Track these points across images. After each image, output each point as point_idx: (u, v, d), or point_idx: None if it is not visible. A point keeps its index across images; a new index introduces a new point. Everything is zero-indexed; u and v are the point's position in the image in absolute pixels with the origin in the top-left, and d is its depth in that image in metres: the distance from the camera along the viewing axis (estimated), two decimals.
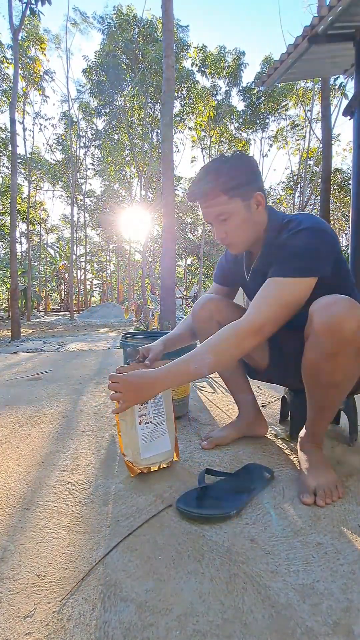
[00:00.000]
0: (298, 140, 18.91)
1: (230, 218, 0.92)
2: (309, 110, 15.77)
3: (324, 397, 0.89)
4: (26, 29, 12.21)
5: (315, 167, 17.26)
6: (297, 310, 0.87)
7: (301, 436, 1.00)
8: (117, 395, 0.87)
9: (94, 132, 16.74)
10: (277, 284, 0.87)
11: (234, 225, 0.93)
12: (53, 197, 23.67)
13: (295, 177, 19.75)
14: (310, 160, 17.70)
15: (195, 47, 14.76)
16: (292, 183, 20.30)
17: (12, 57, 8.17)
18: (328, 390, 0.87)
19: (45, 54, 13.46)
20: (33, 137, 18.50)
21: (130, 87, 13.38)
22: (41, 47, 12.94)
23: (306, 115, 16.27)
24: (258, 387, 1.97)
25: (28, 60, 13.04)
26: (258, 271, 1.02)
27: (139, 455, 0.95)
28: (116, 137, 15.95)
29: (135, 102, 13.88)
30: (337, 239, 0.89)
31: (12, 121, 6.85)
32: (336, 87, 8.25)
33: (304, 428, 1.00)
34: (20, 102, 13.83)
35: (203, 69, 15.05)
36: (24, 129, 15.29)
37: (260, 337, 0.86)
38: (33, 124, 17.16)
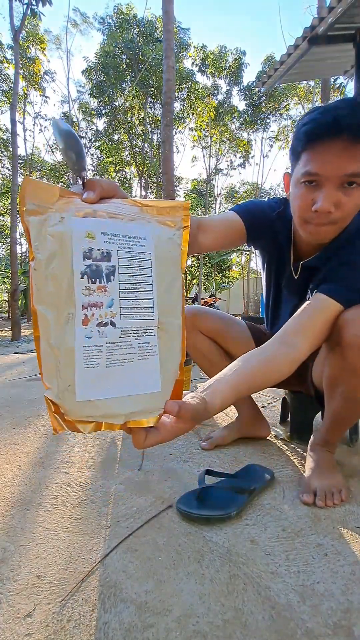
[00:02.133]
0: None
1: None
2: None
3: (342, 408, 0.85)
4: (26, 29, 12.23)
5: None
6: None
7: (313, 439, 0.99)
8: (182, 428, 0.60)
9: (94, 132, 16.76)
10: (335, 312, 0.74)
11: (359, 199, 0.68)
12: None
13: None
14: None
15: (195, 47, 14.77)
16: None
17: (12, 58, 8.18)
18: (347, 404, 0.83)
19: (45, 54, 13.48)
20: (33, 138, 18.55)
21: (130, 87, 13.40)
22: (41, 47, 12.96)
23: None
24: None
25: (28, 60, 13.06)
26: (308, 267, 0.87)
27: (73, 394, 0.45)
28: (116, 137, 15.97)
29: (135, 102, 13.90)
30: None
31: (13, 122, 6.86)
32: (336, 87, 8.26)
33: (316, 431, 0.99)
34: (20, 101, 13.85)
35: (203, 68, 15.05)
36: (25, 130, 15.33)
37: (308, 354, 0.75)
38: (33, 124, 17.21)
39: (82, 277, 0.45)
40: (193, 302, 11.48)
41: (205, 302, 10.76)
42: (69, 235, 0.44)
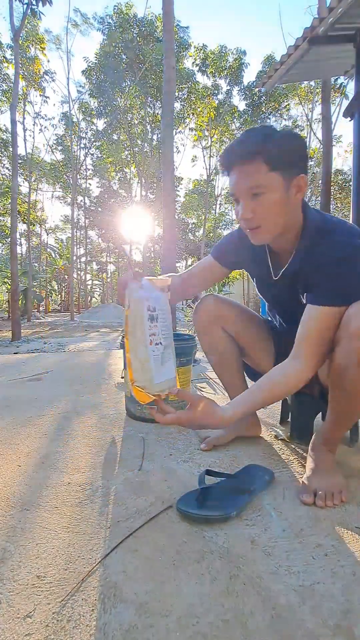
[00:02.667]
0: None
1: (265, 194, 0.79)
2: (310, 110, 15.79)
3: (347, 405, 0.85)
4: (26, 29, 12.23)
5: (316, 168, 17.28)
6: None
7: (313, 438, 0.99)
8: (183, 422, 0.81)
9: (94, 132, 16.76)
10: (332, 314, 0.81)
11: (267, 204, 0.79)
12: (52, 197, 23.69)
13: None
14: (310, 161, 17.72)
15: (195, 47, 14.76)
16: None
17: (12, 58, 8.18)
18: (352, 399, 0.83)
19: (45, 54, 13.48)
20: (33, 138, 18.56)
21: (130, 87, 13.39)
22: (41, 47, 12.95)
23: (307, 117, 16.29)
24: None
25: (27, 60, 13.05)
26: (287, 276, 0.93)
27: (152, 380, 0.80)
28: (115, 137, 15.97)
29: (136, 102, 13.89)
30: None
31: (13, 122, 6.86)
32: (337, 87, 8.27)
33: (317, 431, 0.99)
34: (20, 100, 13.84)
35: (204, 68, 15.05)
36: (25, 129, 15.32)
37: (315, 371, 0.86)
38: (33, 124, 17.20)
39: (147, 320, 0.81)
40: (193, 301, 11.48)
41: None
42: (141, 299, 0.80)
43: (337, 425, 0.91)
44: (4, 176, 16.68)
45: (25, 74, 13.27)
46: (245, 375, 1.24)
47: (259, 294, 1.13)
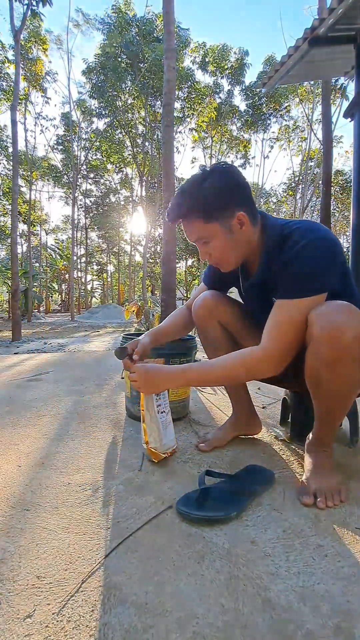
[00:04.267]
0: (300, 142, 18.96)
1: (210, 241, 0.90)
2: (311, 110, 15.80)
3: (327, 404, 0.87)
4: (28, 29, 12.22)
5: (316, 169, 17.29)
6: None
7: (308, 439, 0.99)
8: (134, 383, 0.97)
9: (94, 131, 16.75)
10: (288, 307, 0.84)
11: (215, 247, 0.90)
12: (52, 197, 23.69)
13: (296, 179, 19.79)
14: (311, 161, 17.74)
15: (195, 44, 14.72)
16: (293, 184, 20.33)
17: (14, 58, 8.18)
18: (331, 398, 0.85)
19: (47, 55, 13.46)
20: (35, 139, 18.57)
21: (130, 87, 13.39)
22: (43, 48, 12.94)
23: (307, 117, 16.30)
24: (258, 389, 1.97)
25: (29, 61, 13.04)
26: (256, 284, 0.99)
27: (161, 442, 1.05)
28: (116, 137, 15.97)
29: (136, 102, 13.89)
30: (339, 245, 0.86)
31: (14, 123, 6.86)
32: (337, 87, 8.27)
33: (311, 433, 0.99)
34: (21, 101, 13.82)
35: (204, 66, 15.03)
36: (26, 130, 15.30)
37: (277, 368, 0.87)
38: (35, 124, 17.19)
39: (154, 395, 1.05)
40: None
41: None
42: None
43: (324, 425, 0.92)
44: (4, 176, 16.68)
45: (27, 74, 13.26)
46: None
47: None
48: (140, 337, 1.13)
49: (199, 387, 2.06)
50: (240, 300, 1.18)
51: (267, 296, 0.96)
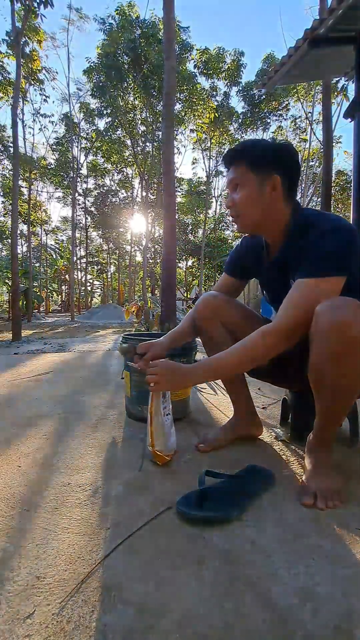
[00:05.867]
0: (299, 142, 18.97)
1: (241, 188, 0.96)
2: (309, 112, 15.81)
3: (330, 401, 0.87)
4: (26, 30, 12.17)
5: (318, 169, 17.28)
6: None
7: (309, 439, 0.99)
8: (154, 377, 0.95)
9: (94, 130, 16.73)
10: (307, 285, 0.86)
11: (242, 196, 0.96)
12: (52, 197, 23.70)
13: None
14: (312, 161, 17.74)
15: (198, 50, 14.77)
16: None
17: (8, 51, 8.13)
18: (334, 394, 0.85)
19: (41, 47, 13.28)
20: (33, 136, 18.56)
21: (132, 88, 13.39)
22: (38, 40, 12.78)
23: (307, 117, 16.31)
24: (259, 389, 1.97)
25: (26, 56, 12.94)
26: (277, 263, 1.01)
27: (167, 444, 1.06)
28: (117, 136, 15.96)
29: (137, 102, 13.89)
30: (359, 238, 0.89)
31: (14, 123, 6.87)
32: (338, 88, 8.28)
33: (311, 432, 0.99)
34: (20, 95, 13.74)
35: (205, 71, 15.06)
36: (24, 126, 15.24)
37: (289, 341, 0.88)
38: (33, 121, 17.13)
39: (161, 397, 1.05)
40: (194, 302, 11.48)
41: None
42: None
43: (326, 424, 0.92)
44: (4, 176, 16.68)
45: (24, 73, 13.20)
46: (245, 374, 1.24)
47: (259, 287, 1.22)
48: (157, 340, 1.14)
49: (199, 387, 2.06)
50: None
51: (286, 278, 0.97)
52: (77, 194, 17.17)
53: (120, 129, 15.38)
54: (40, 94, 15.26)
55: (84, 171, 18.72)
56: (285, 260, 0.97)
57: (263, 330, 0.89)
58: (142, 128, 15.09)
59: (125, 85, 13.54)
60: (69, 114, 15.84)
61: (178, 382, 0.97)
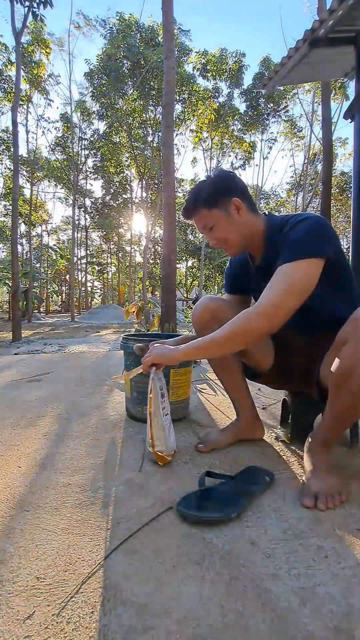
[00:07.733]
0: (298, 141, 18.98)
1: (214, 226, 1.03)
2: (310, 104, 15.82)
3: (350, 405, 0.86)
4: (31, 34, 12.26)
5: (318, 167, 17.28)
6: (307, 296, 0.89)
7: (309, 439, 0.99)
8: (148, 359, 1.04)
9: (94, 132, 16.77)
10: (285, 270, 0.90)
11: (219, 231, 1.04)
12: (53, 197, 23.71)
13: (298, 179, 19.81)
14: (312, 162, 17.75)
15: (197, 52, 14.82)
16: (295, 183, 20.36)
17: (16, 60, 8.19)
18: (355, 398, 0.84)
19: (49, 59, 13.46)
20: (36, 140, 18.58)
21: (132, 90, 13.43)
22: (46, 52, 12.95)
23: (307, 116, 16.32)
24: (259, 389, 1.96)
25: (32, 64, 13.05)
26: (261, 267, 1.06)
27: (167, 444, 1.06)
28: (117, 139, 15.99)
29: (137, 104, 13.91)
30: (332, 230, 0.94)
31: (15, 123, 6.88)
32: (338, 87, 8.28)
33: (313, 432, 0.99)
34: (23, 102, 13.84)
35: (204, 73, 15.10)
36: (27, 132, 15.31)
37: (270, 323, 0.90)
38: (36, 126, 17.19)
39: (160, 397, 1.07)
40: (194, 302, 11.48)
41: None
42: (156, 385, 1.07)
43: (336, 426, 0.91)
44: (4, 176, 16.69)
45: (30, 77, 13.27)
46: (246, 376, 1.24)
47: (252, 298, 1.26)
48: (166, 341, 1.17)
49: (199, 388, 2.06)
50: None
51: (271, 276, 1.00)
52: (77, 195, 17.16)
53: (118, 135, 15.44)
54: (45, 98, 15.30)
55: (84, 171, 18.72)
56: (269, 262, 1.01)
57: (248, 311, 0.93)
58: (142, 130, 15.13)
59: (125, 88, 13.59)
60: (69, 116, 15.86)
61: (167, 355, 1.02)
